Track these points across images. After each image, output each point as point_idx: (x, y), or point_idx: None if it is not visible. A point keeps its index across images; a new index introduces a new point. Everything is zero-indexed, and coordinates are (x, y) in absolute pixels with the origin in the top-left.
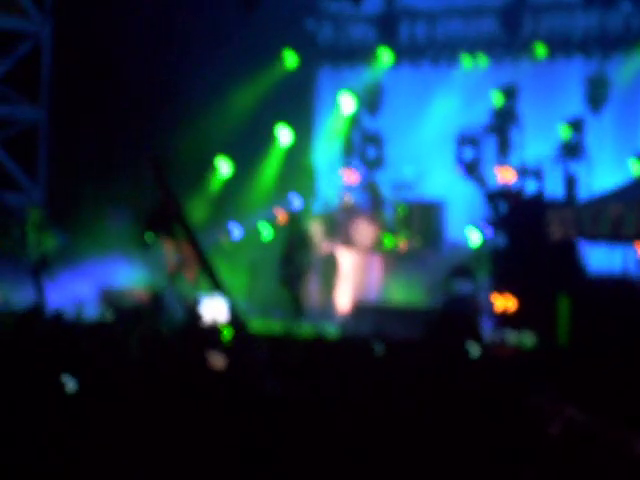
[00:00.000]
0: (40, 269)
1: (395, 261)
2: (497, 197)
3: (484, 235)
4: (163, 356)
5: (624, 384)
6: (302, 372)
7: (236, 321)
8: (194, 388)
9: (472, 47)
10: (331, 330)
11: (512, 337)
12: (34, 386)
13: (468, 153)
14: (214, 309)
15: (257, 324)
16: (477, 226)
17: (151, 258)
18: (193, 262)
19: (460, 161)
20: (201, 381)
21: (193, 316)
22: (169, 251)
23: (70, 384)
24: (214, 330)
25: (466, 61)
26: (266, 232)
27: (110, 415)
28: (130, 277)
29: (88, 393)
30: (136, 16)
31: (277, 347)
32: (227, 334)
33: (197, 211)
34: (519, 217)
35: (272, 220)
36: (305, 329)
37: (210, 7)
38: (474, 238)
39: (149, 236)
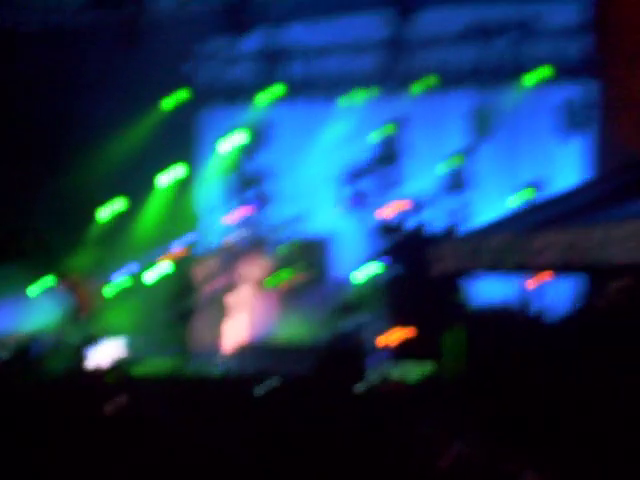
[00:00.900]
0: None
1: (281, 299)
2: (382, 232)
3: (371, 270)
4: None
5: (511, 415)
6: (189, 410)
7: (123, 363)
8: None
9: (355, 82)
10: (218, 369)
11: (399, 371)
12: None
13: (353, 189)
14: (105, 351)
15: (146, 364)
16: (363, 261)
17: (44, 301)
18: (87, 304)
19: (345, 197)
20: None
21: (78, 360)
22: (64, 293)
23: None
24: (99, 374)
25: (349, 96)
26: (154, 274)
27: None
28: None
29: None
30: (14, 59)
31: (164, 387)
32: (111, 377)
33: (83, 255)
34: (404, 251)
35: (159, 262)
36: (192, 369)
37: (88, 51)
38: (361, 274)
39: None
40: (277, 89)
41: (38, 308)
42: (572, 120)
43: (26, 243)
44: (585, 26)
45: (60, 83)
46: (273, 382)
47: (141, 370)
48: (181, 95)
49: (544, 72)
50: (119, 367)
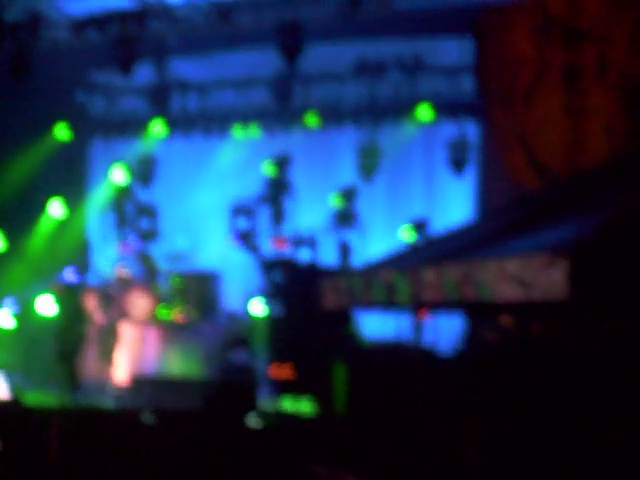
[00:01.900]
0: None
1: (171, 332)
2: (272, 266)
3: (261, 304)
4: None
5: (399, 449)
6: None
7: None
8: None
9: (244, 118)
10: (107, 403)
11: (290, 405)
12: None
13: (242, 223)
14: None
15: (33, 398)
16: (253, 296)
17: None
18: None
19: (234, 231)
20: None
21: None
22: None
23: None
24: None
25: (238, 132)
26: (41, 306)
27: None
28: None
29: None
30: None
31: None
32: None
33: None
34: (294, 286)
35: (47, 294)
36: (81, 401)
37: None
38: (251, 308)
39: None
40: (163, 123)
41: None
42: (455, 159)
43: None
44: (467, 66)
45: None
46: (164, 415)
47: (32, 404)
48: (69, 126)
49: (427, 111)
50: (12, 401)
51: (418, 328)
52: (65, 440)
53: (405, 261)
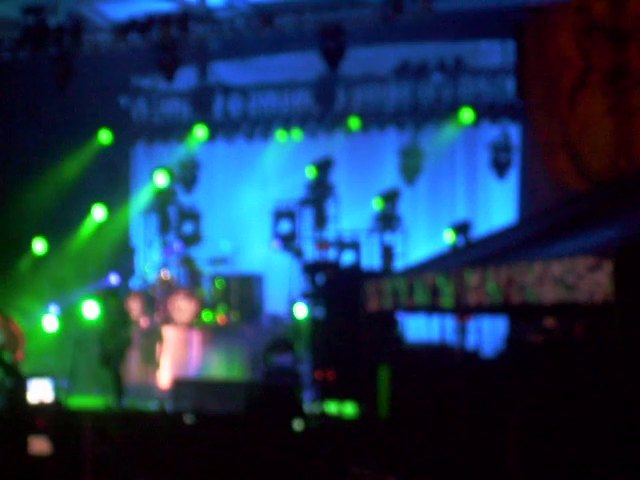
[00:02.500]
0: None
1: (215, 335)
2: (315, 269)
3: (304, 307)
4: None
5: (442, 452)
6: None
7: (58, 403)
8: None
9: (286, 121)
10: (151, 406)
11: (334, 408)
12: None
13: (285, 226)
14: (39, 390)
15: (80, 402)
16: (296, 299)
17: None
18: (19, 342)
19: (277, 234)
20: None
21: (15, 398)
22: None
23: None
24: (37, 413)
25: (281, 135)
26: (87, 310)
27: None
28: None
29: None
30: None
31: (100, 423)
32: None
33: (12, 290)
34: (337, 289)
35: (91, 298)
36: (128, 404)
37: (23, 86)
38: (294, 311)
39: None
40: (206, 128)
41: None
42: (497, 161)
43: None
44: (509, 68)
45: None
46: (206, 417)
47: (77, 407)
48: (116, 129)
49: (469, 114)
50: (57, 405)
51: (462, 330)
52: (109, 442)
53: (448, 264)
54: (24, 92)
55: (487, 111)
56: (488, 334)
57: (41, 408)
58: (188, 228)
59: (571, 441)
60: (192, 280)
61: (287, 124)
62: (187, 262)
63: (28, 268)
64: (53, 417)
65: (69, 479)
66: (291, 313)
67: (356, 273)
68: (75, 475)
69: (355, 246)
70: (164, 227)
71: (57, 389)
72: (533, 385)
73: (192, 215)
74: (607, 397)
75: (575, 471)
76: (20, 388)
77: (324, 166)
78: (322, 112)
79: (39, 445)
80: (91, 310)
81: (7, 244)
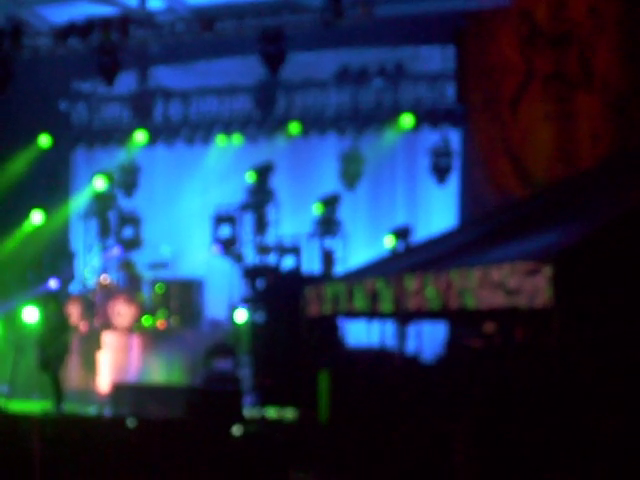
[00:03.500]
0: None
1: (154, 340)
2: (255, 274)
3: (244, 312)
4: None
5: (381, 457)
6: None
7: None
8: None
9: (227, 126)
10: (90, 411)
11: (274, 413)
12: None
13: (225, 231)
14: None
15: (20, 406)
16: (236, 304)
17: None
18: None
19: (217, 239)
20: None
21: None
22: None
23: None
24: None
25: (221, 140)
26: (27, 315)
27: None
28: None
29: None
30: None
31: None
32: None
33: None
34: (277, 293)
35: (31, 302)
36: (66, 410)
37: None
38: (234, 316)
39: None
40: (146, 132)
41: None
42: (437, 166)
43: None
44: (449, 73)
45: None
46: (147, 422)
47: (19, 412)
48: (51, 136)
49: (409, 118)
50: None
51: (401, 335)
52: (49, 447)
53: (388, 269)
54: None
55: (427, 116)
56: (428, 339)
57: None
58: (128, 232)
59: (511, 443)
60: (132, 285)
61: (227, 129)
62: (127, 267)
63: None
64: None
65: None
66: (231, 318)
67: (296, 278)
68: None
69: (295, 251)
70: (104, 231)
71: None
72: (473, 390)
73: (132, 219)
74: (546, 401)
75: (517, 471)
76: None
77: (264, 171)
78: (262, 117)
79: None
80: (30, 315)
81: None
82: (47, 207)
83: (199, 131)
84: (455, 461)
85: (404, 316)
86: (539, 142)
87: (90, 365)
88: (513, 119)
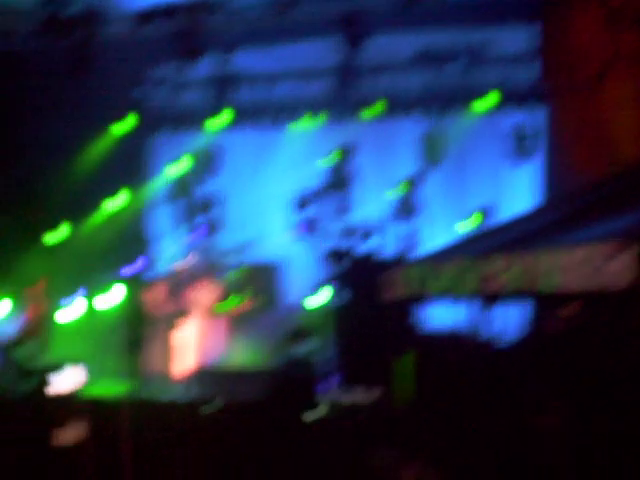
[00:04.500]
0: None
1: (236, 323)
2: (336, 257)
3: (322, 296)
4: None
5: (463, 440)
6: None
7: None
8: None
9: (307, 109)
10: (172, 394)
11: (350, 397)
12: None
13: (305, 214)
14: (67, 378)
15: (104, 389)
16: (317, 287)
17: None
18: (41, 330)
19: (297, 222)
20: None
21: (40, 385)
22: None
23: None
24: (67, 401)
25: (301, 123)
26: (110, 297)
27: None
28: None
29: None
30: None
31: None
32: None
33: (33, 277)
34: (358, 277)
35: (113, 286)
36: (144, 394)
37: (39, 75)
38: (315, 299)
39: None
40: (227, 115)
41: None
42: (520, 146)
43: None
44: (533, 53)
45: (10, 108)
46: (223, 407)
47: (106, 394)
48: (132, 120)
49: (492, 98)
50: (86, 392)
51: (486, 317)
52: (135, 430)
53: (472, 250)
54: (43, 82)
55: (510, 96)
56: (513, 321)
57: (70, 396)
58: (209, 216)
59: (593, 428)
60: (213, 268)
61: (309, 110)
62: (207, 250)
63: (51, 255)
64: (84, 405)
65: (107, 467)
66: (312, 301)
67: (377, 261)
68: (113, 463)
69: (377, 232)
70: (185, 215)
71: (80, 376)
72: (553, 372)
73: (212, 204)
74: (629, 385)
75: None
76: (44, 378)
77: (346, 152)
78: (344, 98)
79: (67, 435)
80: (114, 297)
81: (30, 231)
82: (129, 191)
83: (280, 113)
84: (543, 449)
85: (488, 297)
86: (625, 122)
87: (171, 349)
88: (598, 99)
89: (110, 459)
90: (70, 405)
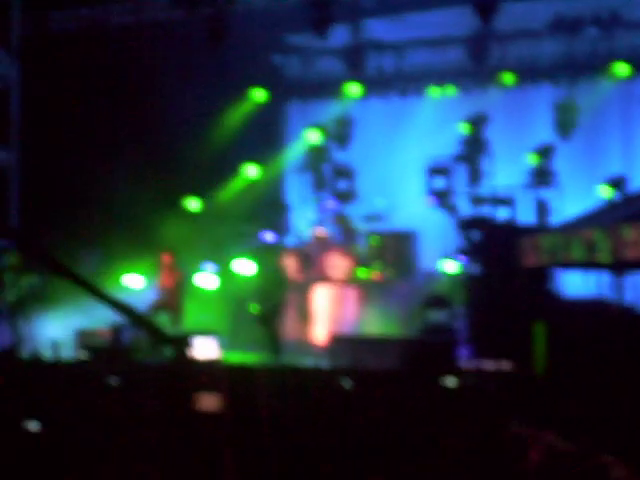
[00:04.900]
0: (16, 311)
1: (369, 292)
2: (469, 225)
3: (458, 264)
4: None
5: (601, 409)
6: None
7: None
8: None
9: (440, 77)
10: (307, 363)
11: (489, 366)
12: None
13: (439, 183)
14: (202, 347)
15: (238, 358)
16: (450, 255)
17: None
18: (176, 298)
19: (431, 191)
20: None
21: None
22: (159, 286)
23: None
24: (203, 369)
25: (434, 91)
26: (243, 268)
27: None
28: (103, 316)
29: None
30: (104, 55)
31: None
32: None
33: (171, 243)
34: (492, 245)
35: (246, 255)
36: (282, 362)
37: (177, 45)
38: (448, 267)
39: None
40: (359, 84)
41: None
42: None
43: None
44: None
45: (148, 78)
46: (362, 375)
47: (234, 362)
48: (267, 88)
49: (626, 66)
50: (222, 361)
51: (619, 286)
52: (273, 397)
53: (605, 219)
54: (179, 51)
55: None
56: None
57: (206, 364)
58: (342, 185)
59: None
60: (347, 237)
61: (440, 80)
62: (341, 219)
63: (183, 226)
64: (220, 373)
65: (245, 436)
66: (445, 269)
67: (511, 229)
68: (251, 432)
69: (510, 202)
70: (318, 184)
71: (217, 345)
72: None
73: (346, 172)
74: None
75: None
76: (183, 345)
77: (478, 122)
78: (475, 67)
79: (207, 402)
80: (247, 268)
81: (170, 198)
82: (261, 160)
83: (412, 83)
84: None
85: (621, 266)
86: None
87: (305, 317)
88: None
89: (249, 426)
90: (210, 372)
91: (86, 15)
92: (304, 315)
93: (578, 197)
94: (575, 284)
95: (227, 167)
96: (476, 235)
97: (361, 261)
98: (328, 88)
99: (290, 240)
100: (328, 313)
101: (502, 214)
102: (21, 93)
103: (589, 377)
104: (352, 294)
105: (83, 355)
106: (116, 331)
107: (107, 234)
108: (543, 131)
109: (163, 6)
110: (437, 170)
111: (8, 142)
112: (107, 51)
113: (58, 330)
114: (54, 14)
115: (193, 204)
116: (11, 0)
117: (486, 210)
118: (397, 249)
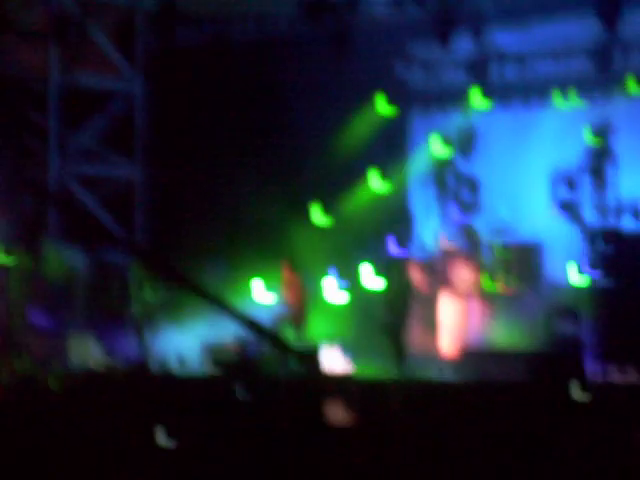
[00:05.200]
0: (143, 324)
1: (495, 304)
2: (597, 236)
3: (586, 275)
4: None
5: None
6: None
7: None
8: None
9: (563, 86)
10: (432, 375)
11: (619, 379)
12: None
13: (564, 193)
14: (329, 359)
15: (361, 369)
16: (578, 266)
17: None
18: (300, 310)
19: (557, 201)
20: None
21: (312, 366)
22: (284, 298)
23: (163, 437)
24: (335, 380)
25: (558, 101)
26: (366, 279)
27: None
28: (228, 329)
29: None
30: (230, 67)
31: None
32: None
33: (297, 253)
34: (621, 256)
35: (371, 266)
36: (409, 375)
37: (301, 57)
38: (575, 278)
39: None
40: (484, 95)
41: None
42: None
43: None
44: None
45: (272, 91)
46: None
47: (365, 375)
48: (392, 98)
49: None
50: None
51: None
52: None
53: None
54: (302, 63)
55: None
56: None
57: (337, 379)
58: (466, 196)
59: None
60: (472, 248)
61: (564, 89)
62: (466, 230)
63: (310, 237)
64: (352, 388)
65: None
66: (572, 281)
67: None
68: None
69: (637, 212)
70: (442, 195)
71: (343, 357)
72: None
73: (470, 183)
74: None
75: None
76: (314, 360)
77: (603, 131)
78: (600, 76)
79: (339, 416)
80: (372, 279)
81: (288, 213)
82: (384, 170)
83: (536, 93)
84: None
85: None
86: None
87: (430, 329)
88: None
89: (382, 441)
90: (341, 385)
91: (209, 31)
92: (428, 327)
93: None
94: None
95: (351, 178)
96: (605, 247)
97: (486, 272)
98: (451, 98)
99: (414, 251)
100: (454, 325)
101: (629, 225)
102: (145, 107)
103: None
104: (477, 306)
105: (213, 370)
106: (243, 345)
107: (233, 246)
108: None
109: (286, 20)
110: (563, 180)
111: (133, 156)
112: (230, 65)
113: (183, 343)
114: (178, 30)
115: (319, 216)
116: (135, 17)
117: (613, 221)
118: (523, 261)
